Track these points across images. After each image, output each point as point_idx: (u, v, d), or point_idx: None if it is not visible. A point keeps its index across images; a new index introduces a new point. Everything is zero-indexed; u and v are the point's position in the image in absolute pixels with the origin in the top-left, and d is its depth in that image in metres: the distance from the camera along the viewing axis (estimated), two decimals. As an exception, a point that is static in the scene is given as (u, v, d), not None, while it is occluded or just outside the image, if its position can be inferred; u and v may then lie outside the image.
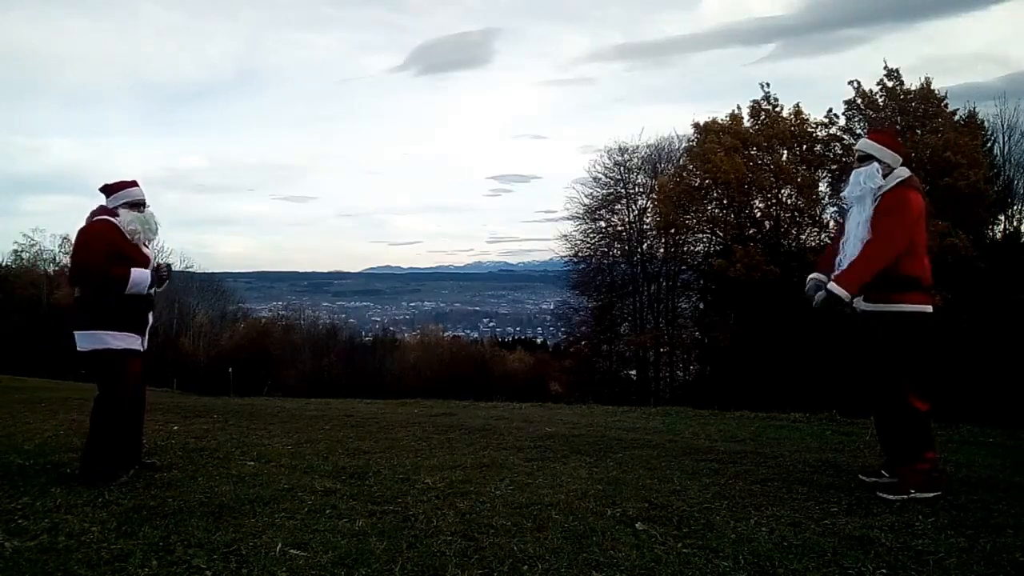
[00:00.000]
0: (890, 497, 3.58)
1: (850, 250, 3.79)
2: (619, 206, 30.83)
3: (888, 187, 3.76)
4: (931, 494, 3.60)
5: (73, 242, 4.11)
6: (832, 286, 3.68)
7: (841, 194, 3.99)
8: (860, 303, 3.80)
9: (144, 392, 4.24)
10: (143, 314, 4.03)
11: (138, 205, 4.08)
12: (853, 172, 3.94)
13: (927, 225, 3.82)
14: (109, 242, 3.87)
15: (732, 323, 23.68)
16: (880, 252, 3.63)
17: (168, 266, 4.33)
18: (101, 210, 4.03)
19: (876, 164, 3.84)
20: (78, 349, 3.92)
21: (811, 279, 4.02)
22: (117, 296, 3.86)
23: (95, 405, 3.92)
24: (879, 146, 3.91)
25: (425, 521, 3.11)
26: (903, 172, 3.84)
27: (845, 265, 3.75)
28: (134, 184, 4.13)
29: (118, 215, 3.98)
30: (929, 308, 3.75)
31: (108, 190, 4.09)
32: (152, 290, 4.06)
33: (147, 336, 4.10)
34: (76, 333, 3.91)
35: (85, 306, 3.88)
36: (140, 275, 3.92)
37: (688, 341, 28.99)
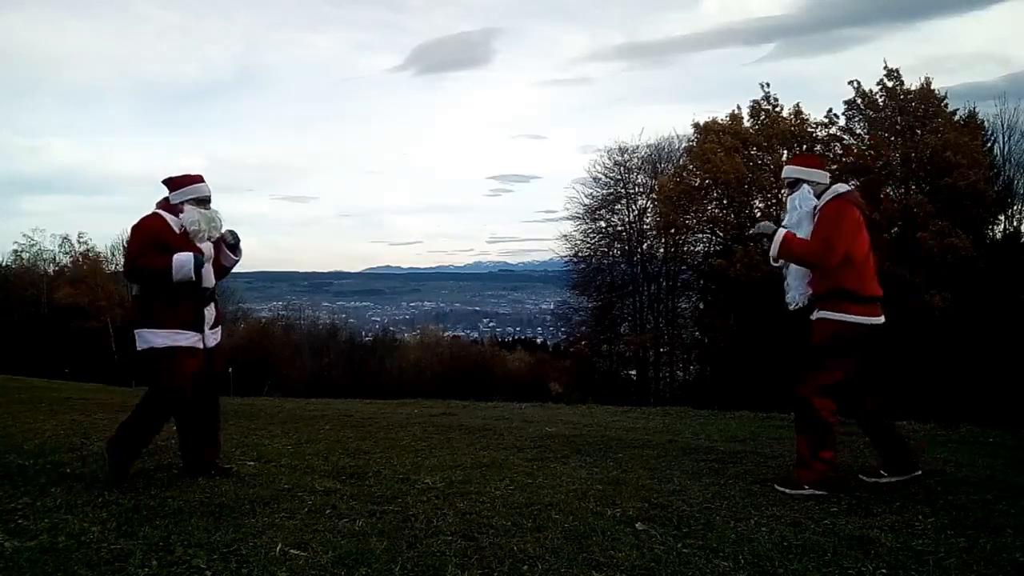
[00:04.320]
0: (786, 491, 3.69)
1: (794, 272, 3.97)
2: (619, 206, 30.83)
3: (824, 201, 3.86)
4: (822, 492, 3.66)
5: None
6: (779, 232, 3.83)
7: (783, 223, 4.02)
8: (816, 312, 3.89)
9: (210, 394, 3.97)
10: (196, 308, 3.80)
11: (204, 202, 3.89)
12: (788, 199, 4.03)
13: (867, 236, 3.88)
14: (153, 236, 3.70)
15: (732, 323, 23.67)
16: (811, 251, 3.75)
17: (233, 232, 4.05)
18: (164, 204, 3.86)
19: (806, 186, 3.95)
20: (137, 349, 3.77)
21: (767, 226, 4.07)
22: (164, 290, 3.67)
23: (140, 400, 3.82)
24: (804, 168, 4.03)
25: (425, 521, 3.10)
26: (840, 187, 3.93)
27: (792, 290, 3.98)
28: (200, 179, 3.92)
29: (182, 211, 3.81)
30: (865, 319, 3.77)
31: (172, 184, 3.90)
32: (208, 275, 3.82)
33: (209, 332, 3.87)
34: (133, 333, 3.78)
35: (139, 303, 3.76)
36: (182, 259, 3.66)
37: (688, 341, 29.00)
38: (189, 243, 3.77)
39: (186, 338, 3.74)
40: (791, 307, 4.04)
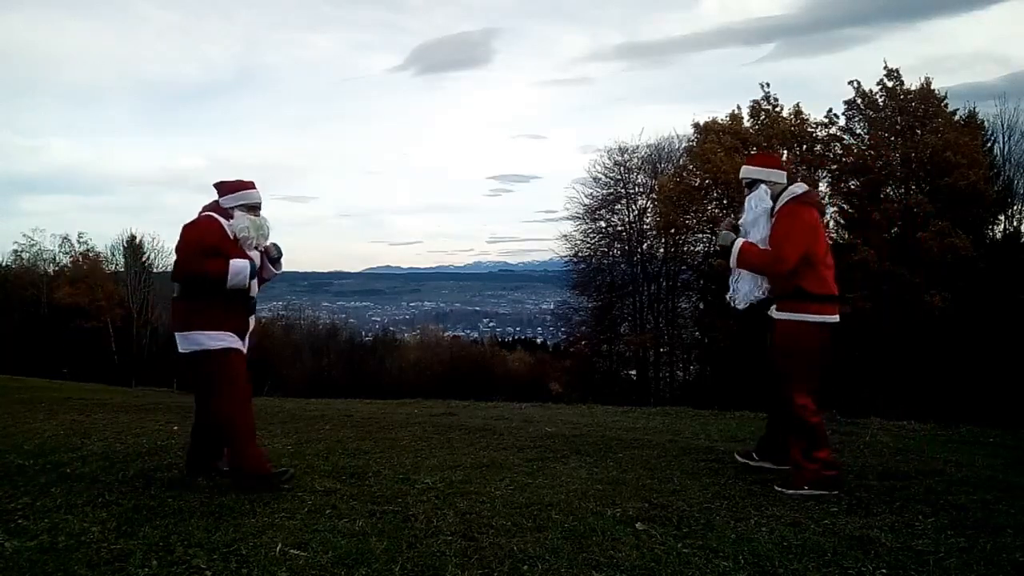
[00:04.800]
0: (786, 491, 3.70)
1: (745, 273, 4.00)
2: (619, 206, 30.84)
3: (781, 203, 3.90)
4: (823, 491, 3.66)
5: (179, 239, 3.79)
6: (737, 242, 3.89)
7: (739, 221, 4.11)
8: (773, 311, 3.95)
9: (250, 394, 3.95)
10: (243, 315, 3.80)
11: (254, 208, 3.86)
12: (746, 200, 4.08)
13: (824, 235, 3.96)
14: (207, 238, 3.66)
15: (732, 323, 23.67)
16: (766, 262, 3.82)
17: (276, 246, 4.04)
18: (214, 207, 3.82)
19: (764, 186, 3.99)
20: (179, 351, 3.73)
21: (727, 236, 4.08)
22: (215, 294, 3.66)
23: (208, 411, 3.72)
24: (762, 168, 4.07)
25: (425, 521, 3.11)
26: (798, 188, 3.96)
27: (740, 290, 4.03)
28: (252, 185, 3.89)
29: (231, 216, 3.77)
30: (825, 318, 3.85)
31: (224, 188, 3.86)
32: (253, 285, 3.80)
33: (247, 340, 3.86)
34: (176, 335, 3.74)
35: (183, 305, 3.72)
36: (239, 265, 3.66)
37: (688, 341, 29.00)
38: (240, 249, 3.75)
39: (236, 341, 3.75)
40: (740, 306, 4.08)
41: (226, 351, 3.69)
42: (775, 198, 3.97)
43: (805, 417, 3.76)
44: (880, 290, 20.94)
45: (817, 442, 3.76)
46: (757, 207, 3.96)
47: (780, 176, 4.03)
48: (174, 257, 3.77)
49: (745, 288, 4.03)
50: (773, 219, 3.89)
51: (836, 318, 3.90)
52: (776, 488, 3.76)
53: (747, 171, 4.13)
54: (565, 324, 33.86)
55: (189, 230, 3.71)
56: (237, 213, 3.79)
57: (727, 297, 4.18)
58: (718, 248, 4.09)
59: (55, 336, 34.74)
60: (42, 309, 36.73)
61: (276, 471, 3.70)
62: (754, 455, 4.22)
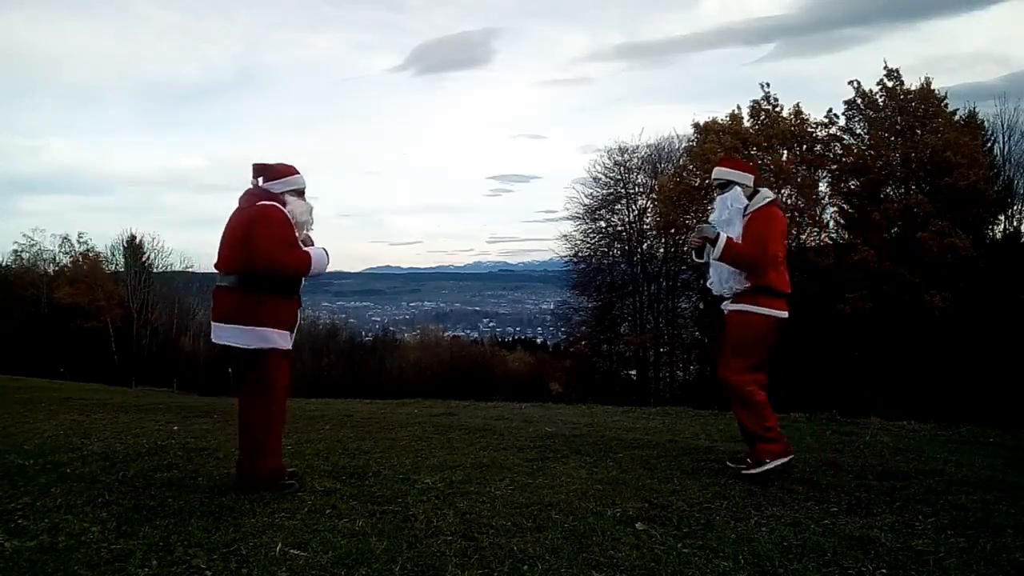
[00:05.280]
0: (752, 472, 3.93)
1: (711, 266, 4.20)
2: (619, 206, 30.87)
3: (757, 206, 4.14)
4: (785, 459, 3.97)
5: (236, 226, 3.56)
6: (722, 236, 4.03)
7: (709, 218, 4.32)
8: (726, 304, 4.23)
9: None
10: (296, 310, 3.71)
11: (302, 193, 3.73)
12: (718, 198, 4.30)
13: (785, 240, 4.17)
14: (287, 228, 3.53)
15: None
16: (754, 252, 4.01)
17: (309, 236, 3.87)
18: (264, 194, 3.63)
19: (738, 188, 4.20)
20: (233, 344, 3.51)
21: (710, 228, 4.19)
22: (281, 287, 3.55)
23: (255, 408, 3.58)
24: (737, 171, 4.28)
25: (425, 521, 3.11)
26: (768, 194, 4.22)
27: (715, 283, 4.23)
28: (297, 170, 3.76)
29: (285, 201, 3.62)
30: (778, 313, 4.10)
31: (273, 173, 3.69)
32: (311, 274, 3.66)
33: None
34: (232, 327, 3.51)
35: (246, 298, 3.51)
36: (319, 255, 3.59)
37: (688, 341, 29.00)
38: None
39: (291, 340, 3.67)
40: (717, 293, 4.28)
41: (287, 352, 3.62)
42: (747, 199, 4.19)
43: (753, 392, 4.02)
44: (880, 290, 20.95)
45: (767, 415, 4.01)
46: (732, 206, 4.16)
47: (750, 180, 4.25)
48: (234, 247, 3.53)
49: (729, 280, 4.17)
50: (746, 219, 4.11)
51: (786, 314, 4.16)
52: (743, 473, 4.00)
53: (722, 172, 4.32)
54: (565, 324, 33.88)
55: (269, 220, 3.50)
56: (290, 198, 3.65)
57: (714, 287, 4.31)
58: (694, 241, 4.32)
59: (55, 336, 34.77)
60: (42, 309, 36.76)
61: (288, 482, 3.64)
62: (747, 460, 4.22)
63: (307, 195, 3.80)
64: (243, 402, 3.66)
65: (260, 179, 3.70)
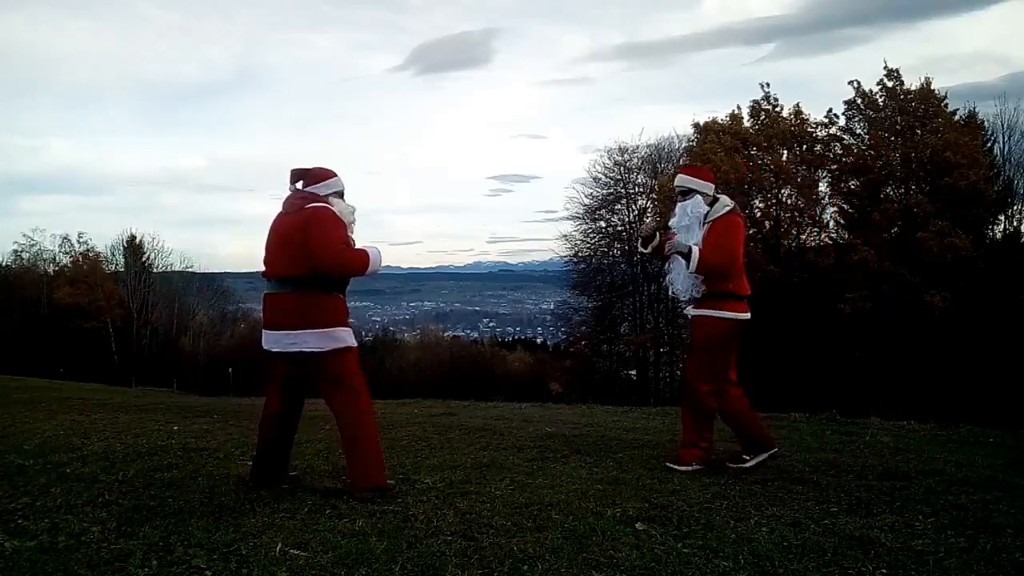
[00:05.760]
0: (679, 468, 4.18)
1: (678, 270, 4.35)
2: (619, 206, 30.90)
3: (718, 214, 4.28)
4: (703, 467, 4.20)
5: (290, 230, 3.51)
6: (695, 250, 4.18)
7: (669, 223, 4.48)
8: (689, 309, 4.41)
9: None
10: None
11: (343, 195, 3.74)
12: (678, 205, 4.42)
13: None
14: (340, 228, 3.52)
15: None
16: (724, 262, 4.19)
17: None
18: (311, 197, 3.59)
19: (699, 196, 4.33)
20: (309, 349, 3.46)
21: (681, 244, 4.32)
22: (340, 287, 3.58)
23: (348, 416, 3.53)
24: (698, 180, 4.41)
25: (425, 521, 3.11)
26: (728, 202, 4.35)
27: (677, 284, 4.39)
28: (336, 174, 3.76)
29: (330, 203, 3.60)
30: (740, 315, 4.32)
31: (313, 177, 3.67)
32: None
33: None
34: (302, 332, 3.44)
35: (318, 300, 3.48)
36: (376, 253, 3.60)
37: (688, 341, 28.96)
38: None
39: None
40: (680, 296, 4.49)
41: (356, 349, 3.63)
42: (707, 206, 4.35)
43: (708, 404, 4.24)
44: (880, 290, 20.95)
45: (709, 426, 4.29)
46: (693, 213, 4.30)
47: (711, 188, 4.39)
48: (291, 250, 3.48)
49: (686, 284, 4.35)
50: (707, 226, 4.26)
51: (749, 315, 4.37)
52: (667, 464, 4.25)
53: (684, 180, 4.44)
54: (565, 324, 33.91)
55: (326, 221, 3.47)
56: (333, 200, 3.65)
57: (673, 292, 4.53)
58: (643, 245, 4.56)
59: (55, 336, 34.79)
60: (42, 309, 36.79)
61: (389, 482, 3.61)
62: (744, 456, 4.33)
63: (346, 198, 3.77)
64: (337, 413, 3.58)
65: (299, 184, 3.69)
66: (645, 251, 4.56)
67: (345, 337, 3.55)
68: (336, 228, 3.50)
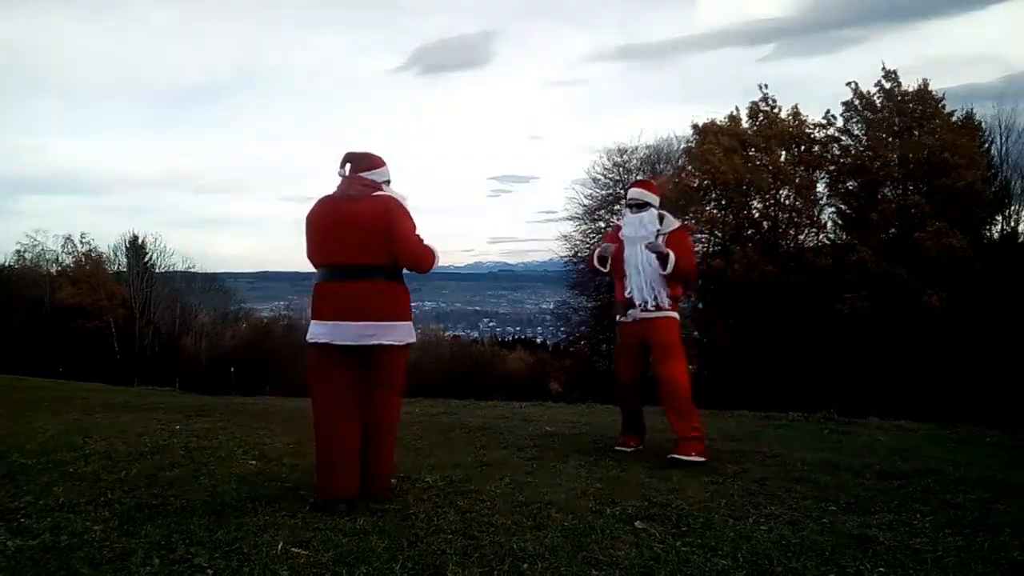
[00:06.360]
0: (684, 459, 4.37)
1: (637, 278, 4.62)
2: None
3: (670, 229, 4.65)
4: (705, 459, 4.41)
5: (366, 216, 3.31)
6: (671, 254, 4.51)
7: (622, 233, 4.76)
8: (649, 313, 4.65)
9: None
10: None
11: (390, 184, 3.57)
12: (635, 216, 4.72)
13: None
14: (413, 220, 3.41)
15: (730, 323, 23.68)
16: (690, 268, 4.68)
17: None
18: (373, 184, 3.43)
19: (653, 209, 4.72)
20: (388, 342, 3.30)
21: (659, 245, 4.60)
22: (404, 280, 3.45)
23: (389, 412, 3.41)
24: (652, 195, 4.81)
25: (425, 519, 3.12)
26: (674, 219, 4.76)
27: (634, 291, 4.65)
28: (385, 162, 3.58)
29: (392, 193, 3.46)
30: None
31: (369, 163, 3.48)
32: None
33: None
34: (380, 323, 3.27)
35: (396, 290, 3.39)
36: (438, 251, 3.52)
37: (687, 341, 29.00)
38: None
39: None
40: (642, 301, 4.67)
41: None
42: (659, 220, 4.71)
43: (689, 392, 4.56)
44: (878, 290, 20.96)
45: (696, 418, 4.55)
46: (650, 226, 4.63)
47: (658, 203, 4.78)
48: (371, 238, 3.29)
49: (660, 291, 4.63)
50: (662, 238, 4.59)
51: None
52: (671, 456, 4.42)
53: (641, 194, 4.78)
54: (565, 324, 33.86)
55: (404, 212, 3.37)
56: (390, 189, 3.54)
57: (644, 300, 4.65)
58: (602, 264, 4.82)
59: (58, 336, 34.76)
60: (45, 309, 36.75)
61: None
62: (631, 443, 4.88)
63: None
64: (379, 408, 3.39)
65: (347, 168, 3.48)
66: (604, 269, 4.84)
67: (412, 333, 3.47)
68: (411, 220, 3.42)
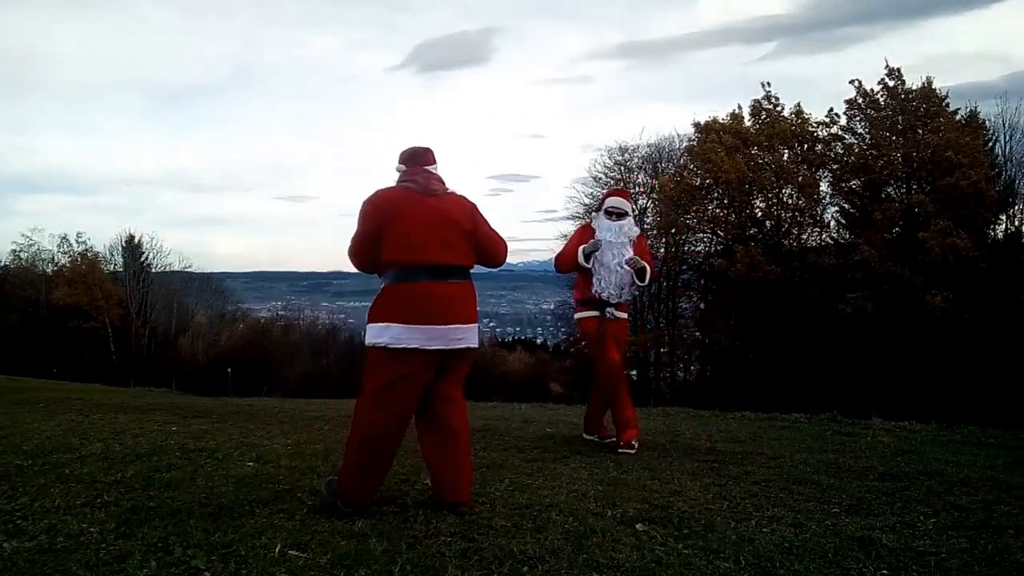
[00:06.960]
0: (630, 452, 4.70)
1: (616, 279, 4.89)
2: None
3: (635, 235, 5.03)
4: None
5: (457, 215, 3.20)
6: (646, 265, 4.95)
7: (599, 236, 5.01)
8: (615, 311, 4.99)
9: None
10: None
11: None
12: (615, 225, 4.98)
13: None
14: None
15: (732, 323, 23.66)
16: (654, 274, 5.22)
17: None
18: (443, 180, 3.30)
19: (631, 218, 5.10)
20: (470, 345, 3.20)
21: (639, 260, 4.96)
22: None
23: (464, 420, 3.34)
24: (630, 204, 5.27)
25: (424, 522, 3.09)
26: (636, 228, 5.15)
27: (614, 290, 4.93)
28: None
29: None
30: None
31: (422, 158, 3.31)
32: None
33: None
34: (470, 327, 3.18)
35: (474, 292, 3.28)
36: None
37: (688, 341, 29.01)
38: None
39: None
40: (611, 298, 4.96)
41: None
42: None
43: (626, 385, 4.99)
44: (881, 290, 20.94)
45: (631, 407, 4.96)
46: (630, 232, 4.97)
47: (633, 213, 5.36)
48: (463, 238, 3.19)
49: (624, 289, 4.97)
50: (634, 245, 4.95)
51: None
52: (620, 451, 4.70)
53: (623, 204, 5.12)
54: (565, 324, 33.90)
55: (481, 212, 3.30)
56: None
57: (615, 295, 4.96)
58: (586, 260, 4.98)
59: (54, 336, 34.80)
60: (41, 309, 36.82)
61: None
62: (597, 436, 5.25)
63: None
64: (460, 412, 3.31)
65: (404, 164, 3.31)
66: (587, 265, 5.00)
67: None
68: None
